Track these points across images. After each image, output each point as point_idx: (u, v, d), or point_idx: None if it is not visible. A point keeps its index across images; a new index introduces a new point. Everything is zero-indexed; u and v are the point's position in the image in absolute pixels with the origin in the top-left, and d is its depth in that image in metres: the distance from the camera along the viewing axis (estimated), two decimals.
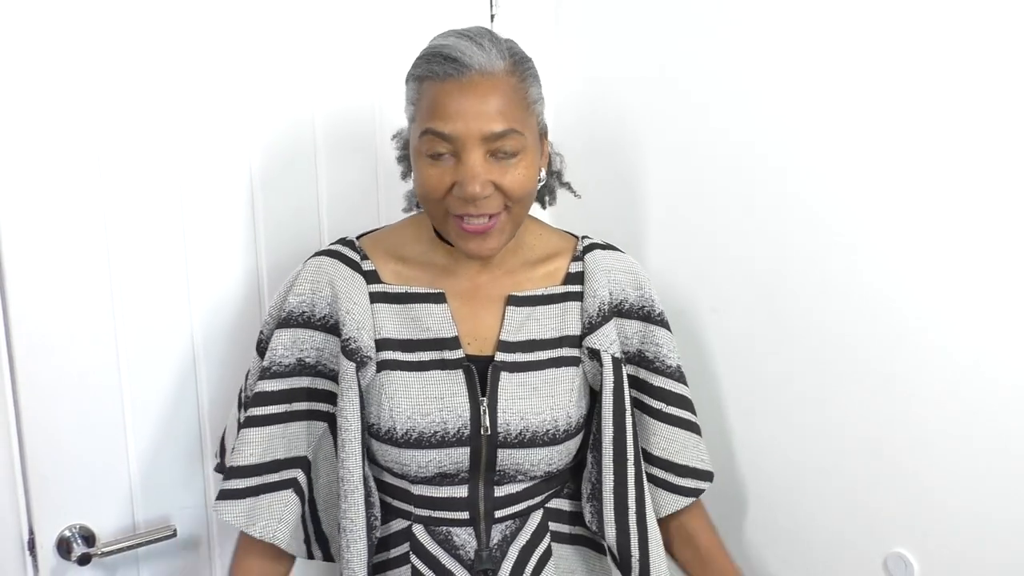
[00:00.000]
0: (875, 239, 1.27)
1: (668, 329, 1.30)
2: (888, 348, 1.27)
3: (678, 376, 1.30)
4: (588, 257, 1.27)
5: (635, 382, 1.29)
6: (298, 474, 1.22)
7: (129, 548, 1.36)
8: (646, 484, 1.24)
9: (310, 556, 1.29)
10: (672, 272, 1.51)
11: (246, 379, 1.28)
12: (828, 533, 1.38)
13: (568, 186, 1.33)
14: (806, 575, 1.42)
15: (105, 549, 1.34)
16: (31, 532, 1.32)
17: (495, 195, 1.12)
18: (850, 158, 1.28)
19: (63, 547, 1.33)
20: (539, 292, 1.24)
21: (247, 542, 1.24)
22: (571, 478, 1.30)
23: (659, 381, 1.27)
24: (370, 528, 1.16)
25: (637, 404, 1.29)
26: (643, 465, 1.26)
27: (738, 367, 1.46)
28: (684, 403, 1.30)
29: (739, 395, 1.46)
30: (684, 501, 1.29)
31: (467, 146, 1.10)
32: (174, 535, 1.40)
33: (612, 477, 1.20)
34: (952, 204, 1.19)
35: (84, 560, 1.31)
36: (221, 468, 1.30)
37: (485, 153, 1.11)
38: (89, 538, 1.35)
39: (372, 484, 1.19)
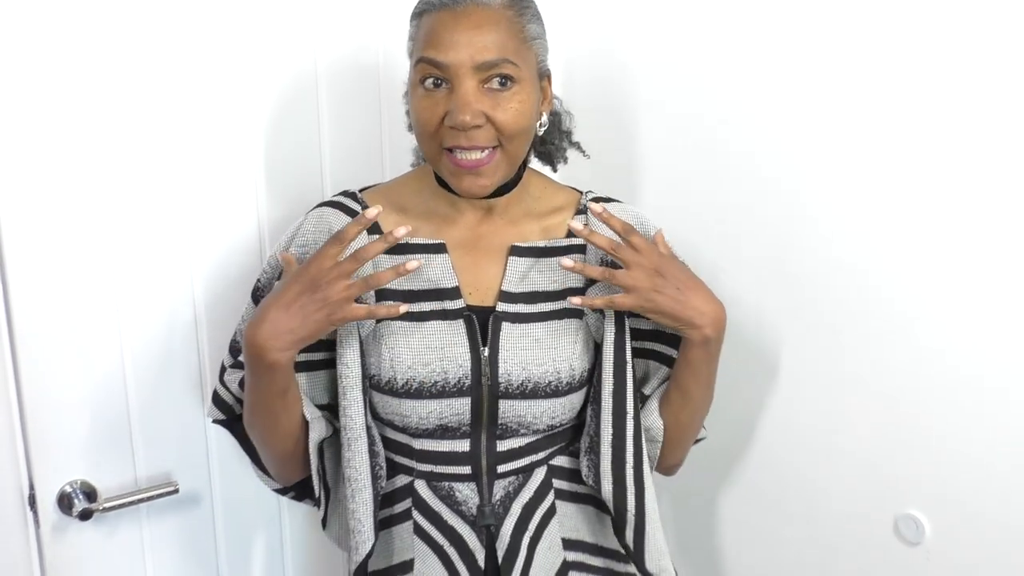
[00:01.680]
0: (889, 192, 1.24)
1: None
2: (901, 309, 1.26)
3: None
4: (591, 215, 1.24)
5: (646, 334, 1.27)
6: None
7: (131, 504, 1.35)
8: (644, 440, 1.22)
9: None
10: (680, 232, 1.48)
11: (240, 324, 1.26)
12: (839, 495, 1.37)
13: (578, 146, 1.32)
14: (817, 538, 1.41)
15: (106, 504, 1.33)
16: (31, 487, 1.31)
17: (487, 127, 1.11)
18: (858, 114, 1.25)
19: (64, 502, 1.33)
20: (542, 244, 1.22)
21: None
22: (575, 436, 1.28)
23: (669, 328, 1.24)
24: (375, 477, 1.15)
25: (649, 354, 1.27)
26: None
27: (746, 329, 1.44)
28: None
29: (747, 358, 1.44)
30: None
31: (459, 74, 1.09)
32: (176, 491, 1.39)
33: (611, 431, 1.18)
34: (963, 161, 1.16)
35: (85, 515, 1.31)
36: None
37: (478, 83, 1.10)
38: (90, 494, 1.34)
39: (375, 433, 1.18)
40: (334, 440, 1.24)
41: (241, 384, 1.19)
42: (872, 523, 1.33)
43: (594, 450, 1.19)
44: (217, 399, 1.26)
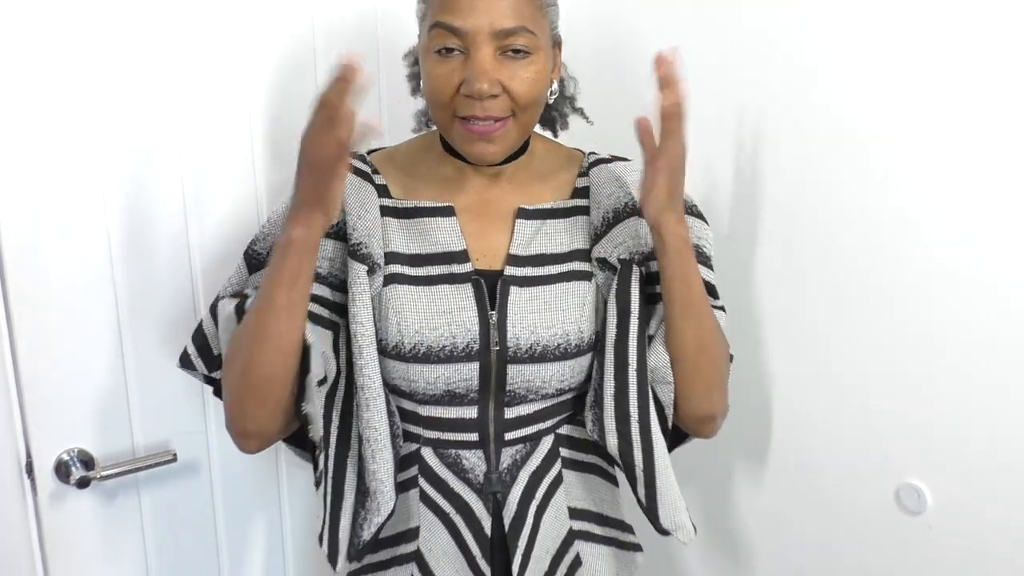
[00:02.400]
0: (896, 163, 1.23)
1: (694, 215, 1.25)
2: (905, 277, 1.25)
3: (700, 262, 1.21)
4: (593, 172, 1.24)
5: (655, 279, 1.23)
6: None
7: (128, 472, 1.34)
8: (651, 395, 1.18)
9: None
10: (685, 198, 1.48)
11: (228, 281, 1.23)
12: (840, 464, 1.37)
13: (581, 112, 1.30)
14: (817, 506, 1.41)
15: (104, 473, 1.32)
16: (28, 455, 1.29)
17: (502, 97, 1.09)
18: (871, 76, 1.24)
19: (61, 471, 1.31)
20: (548, 205, 1.21)
21: None
22: (583, 406, 1.27)
23: None
24: (394, 436, 1.13)
25: (658, 298, 1.22)
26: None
27: (751, 296, 1.43)
28: (707, 289, 1.21)
29: (750, 325, 1.43)
30: None
31: (476, 41, 1.07)
32: (174, 460, 1.38)
33: (613, 383, 1.16)
34: (972, 120, 1.15)
35: (83, 483, 1.30)
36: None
37: (495, 51, 1.09)
38: (88, 462, 1.33)
39: (389, 394, 1.16)
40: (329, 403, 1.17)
41: (236, 310, 1.14)
42: (873, 493, 1.33)
43: (598, 403, 1.17)
44: (198, 332, 1.20)
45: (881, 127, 1.24)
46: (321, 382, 1.13)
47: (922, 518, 1.28)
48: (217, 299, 1.21)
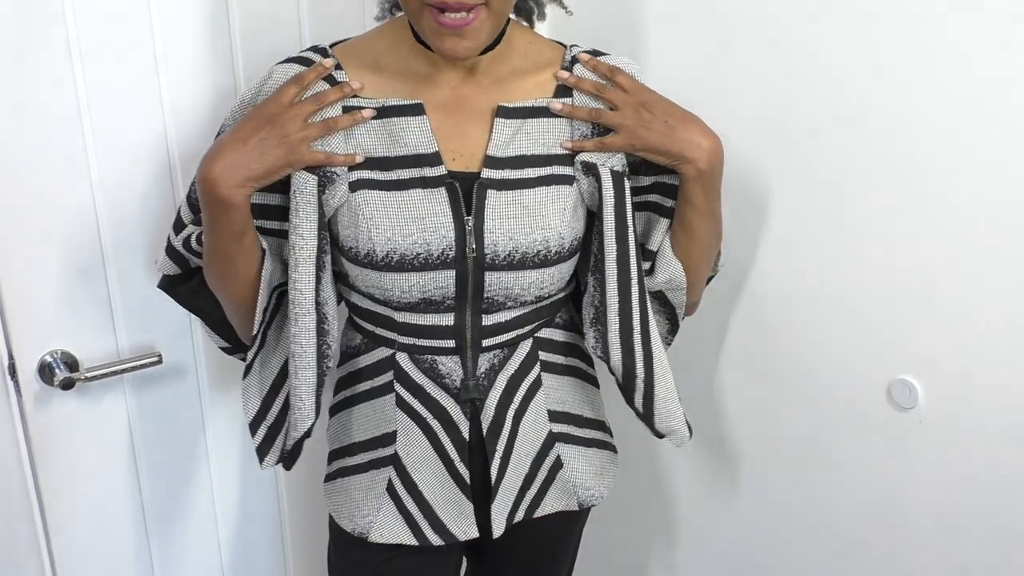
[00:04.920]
0: (893, 67, 1.19)
1: None
2: (901, 174, 1.22)
3: None
4: (577, 68, 1.18)
5: (643, 189, 1.22)
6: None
7: (113, 373, 1.34)
8: (650, 304, 1.19)
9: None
10: (676, 95, 1.41)
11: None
12: (831, 361, 1.36)
13: (559, 1, 1.22)
14: (808, 404, 1.40)
15: (88, 374, 1.32)
16: (11, 357, 1.29)
17: None
18: None
19: (45, 372, 1.31)
20: (530, 103, 1.15)
21: None
22: (563, 307, 1.25)
23: (673, 179, 1.19)
24: (321, 357, 1.11)
25: (650, 207, 1.23)
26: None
27: (745, 195, 1.39)
28: None
29: (744, 223, 1.40)
30: None
31: None
32: (160, 361, 1.37)
33: (617, 299, 1.15)
34: (976, 35, 1.10)
35: (67, 384, 1.30)
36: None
37: None
38: (71, 363, 1.33)
39: (329, 310, 1.13)
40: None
41: (199, 240, 1.14)
42: (864, 389, 1.32)
43: (600, 320, 1.16)
44: (171, 251, 1.20)
45: (891, 22, 1.18)
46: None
47: (913, 413, 1.28)
48: (178, 222, 1.19)
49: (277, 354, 1.20)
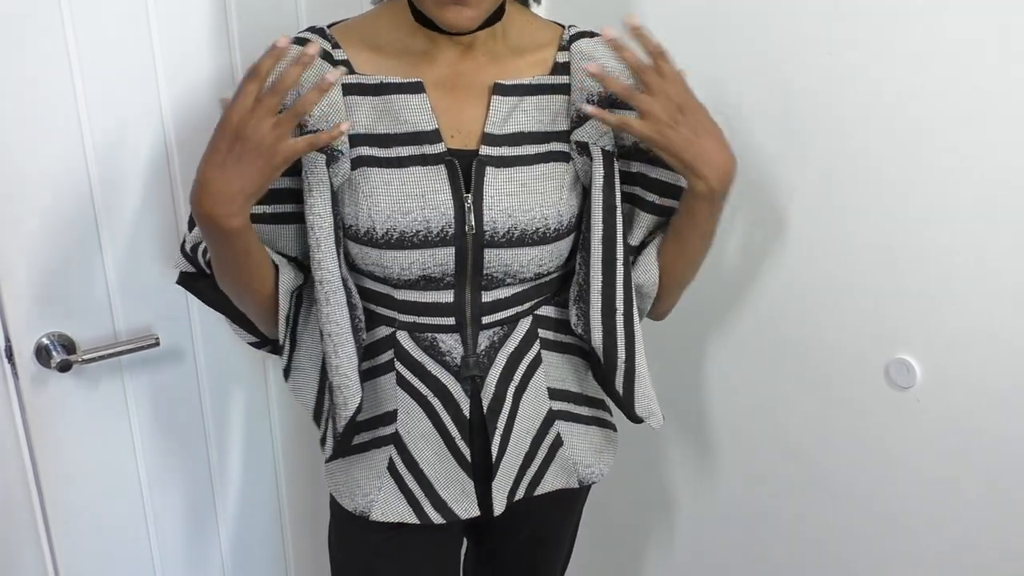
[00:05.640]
0: (897, 44, 1.19)
1: None
2: (899, 154, 1.22)
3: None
4: (574, 46, 1.17)
5: (629, 176, 1.21)
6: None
7: (110, 356, 1.34)
8: (633, 287, 1.19)
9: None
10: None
11: None
12: (830, 340, 1.36)
13: None
14: (806, 383, 1.40)
15: (85, 356, 1.31)
16: (7, 339, 1.29)
17: None
18: None
19: (42, 354, 1.31)
20: (527, 81, 1.15)
21: None
22: (562, 286, 1.25)
23: (656, 173, 1.19)
24: (355, 330, 1.12)
25: (631, 199, 1.22)
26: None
27: (745, 174, 1.38)
28: (680, 194, 1.20)
29: (742, 203, 1.39)
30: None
31: None
32: (157, 344, 1.37)
33: (600, 278, 1.15)
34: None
35: (65, 367, 1.29)
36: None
37: None
38: (68, 346, 1.32)
39: (352, 286, 1.14)
40: (310, 292, 1.19)
41: (205, 251, 1.14)
42: (863, 369, 1.33)
43: (583, 299, 1.16)
44: (184, 254, 1.20)
45: None
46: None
47: (911, 392, 1.28)
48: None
49: (316, 347, 1.19)
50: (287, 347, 1.18)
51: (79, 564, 1.41)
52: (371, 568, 1.25)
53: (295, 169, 1.12)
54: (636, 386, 1.19)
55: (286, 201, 1.14)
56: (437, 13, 1.06)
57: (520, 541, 1.35)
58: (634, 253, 1.22)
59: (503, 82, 1.14)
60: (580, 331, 1.17)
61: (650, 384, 1.21)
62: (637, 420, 1.21)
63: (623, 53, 1.07)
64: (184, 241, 1.19)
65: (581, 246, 1.17)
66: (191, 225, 1.17)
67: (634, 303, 1.18)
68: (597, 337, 1.16)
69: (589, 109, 1.08)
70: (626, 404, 1.20)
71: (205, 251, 1.14)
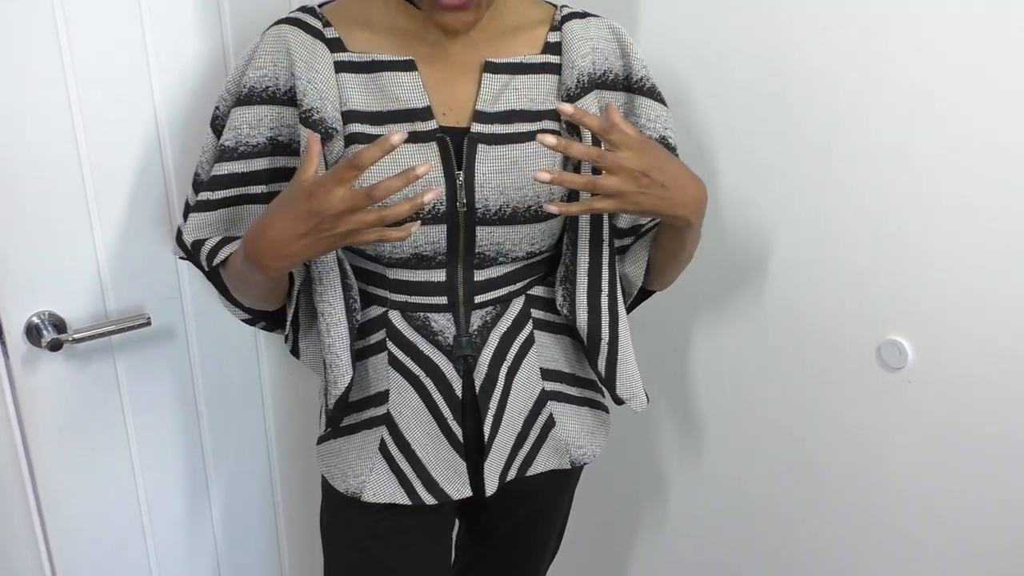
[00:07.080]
0: (889, 15, 1.18)
1: (657, 100, 1.21)
2: (891, 134, 1.22)
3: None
4: (566, 27, 1.17)
5: None
6: None
7: (101, 335, 1.33)
8: (618, 268, 1.20)
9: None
10: (668, 55, 1.41)
11: (201, 156, 1.19)
12: (821, 321, 1.36)
13: None
14: (798, 364, 1.40)
15: (76, 336, 1.30)
16: None
17: None
18: None
19: (32, 333, 1.30)
20: (518, 60, 1.15)
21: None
22: (554, 266, 1.25)
23: None
24: (349, 311, 1.12)
25: None
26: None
27: (738, 155, 1.39)
28: None
29: (736, 184, 1.39)
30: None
31: None
32: (148, 323, 1.36)
33: (587, 258, 1.16)
34: None
35: (55, 346, 1.28)
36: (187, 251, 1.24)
37: None
38: (59, 325, 1.31)
39: (347, 267, 1.14)
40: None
41: (208, 254, 1.14)
42: (854, 350, 1.33)
43: (569, 279, 1.17)
44: (183, 247, 1.19)
45: None
46: None
47: (902, 373, 1.28)
48: (195, 179, 1.18)
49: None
50: (290, 331, 1.21)
51: (71, 541, 1.41)
52: (363, 548, 1.25)
53: (293, 149, 1.12)
54: (619, 367, 1.19)
55: (258, 183, 1.14)
56: (434, 15, 1.06)
57: (512, 522, 1.35)
58: (621, 237, 1.22)
59: (494, 60, 1.13)
60: (566, 311, 1.18)
61: (635, 366, 1.22)
62: (619, 401, 1.22)
63: (586, 120, 1.00)
64: (181, 232, 1.18)
65: (568, 227, 1.17)
66: (186, 213, 1.16)
67: (619, 284, 1.20)
68: (582, 317, 1.16)
69: (552, 208, 1.03)
70: (608, 384, 1.20)
71: (209, 253, 1.14)
